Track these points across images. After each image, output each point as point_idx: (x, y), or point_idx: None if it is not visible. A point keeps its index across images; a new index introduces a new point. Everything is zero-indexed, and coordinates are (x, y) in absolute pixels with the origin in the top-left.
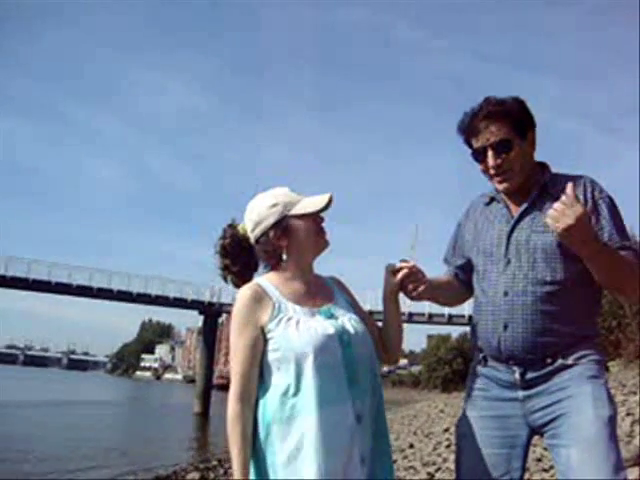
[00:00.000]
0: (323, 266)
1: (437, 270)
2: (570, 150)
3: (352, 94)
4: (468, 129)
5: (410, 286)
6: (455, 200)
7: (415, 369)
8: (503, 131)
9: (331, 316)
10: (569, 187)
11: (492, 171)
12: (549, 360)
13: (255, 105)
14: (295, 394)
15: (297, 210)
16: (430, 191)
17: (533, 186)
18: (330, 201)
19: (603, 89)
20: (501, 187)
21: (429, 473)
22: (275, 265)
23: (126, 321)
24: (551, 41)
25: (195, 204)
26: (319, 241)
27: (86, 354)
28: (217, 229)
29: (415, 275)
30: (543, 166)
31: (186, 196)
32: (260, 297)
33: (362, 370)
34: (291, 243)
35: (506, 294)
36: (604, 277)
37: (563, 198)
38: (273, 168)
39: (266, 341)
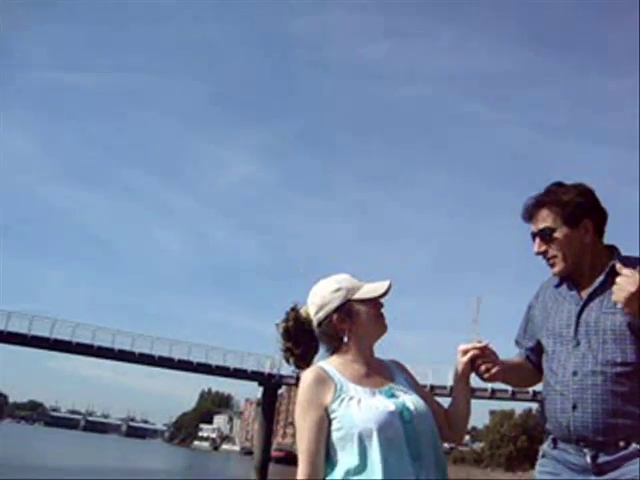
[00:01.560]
0: (387, 341)
1: (500, 344)
2: (633, 218)
3: (414, 169)
4: (525, 215)
5: (483, 367)
6: (517, 275)
7: (477, 446)
8: (548, 219)
9: (392, 395)
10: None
11: (540, 256)
12: (622, 444)
13: (318, 179)
14: (361, 471)
15: (359, 295)
16: (492, 264)
17: (602, 269)
18: (390, 288)
19: None
20: (552, 271)
21: None
22: (337, 348)
23: (185, 390)
24: (603, 112)
25: (257, 277)
26: (379, 326)
27: (145, 422)
28: (278, 301)
29: (488, 356)
30: (612, 249)
31: (248, 269)
32: (323, 379)
33: (425, 445)
34: (353, 327)
35: (575, 374)
36: None
37: (624, 271)
38: (337, 242)
39: (330, 421)
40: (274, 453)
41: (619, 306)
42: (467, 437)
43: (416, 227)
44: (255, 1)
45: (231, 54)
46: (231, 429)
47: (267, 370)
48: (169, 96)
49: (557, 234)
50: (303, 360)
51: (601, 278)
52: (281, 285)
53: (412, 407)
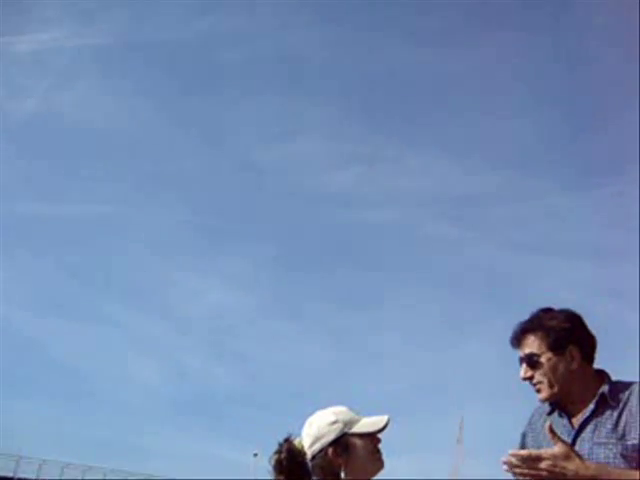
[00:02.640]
0: None
1: (484, 462)
2: (612, 330)
3: (385, 291)
4: (513, 340)
5: None
6: (499, 391)
7: None
8: (534, 345)
9: None
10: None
11: (527, 382)
12: None
13: (294, 305)
14: None
15: (357, 429)
16: (472, 382)
17: (592, 396)
18: (388, 422)
19: (632, 268)
20: (538, 397)
21: None
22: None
23: None
24: (569, 225)
25: (235, 406)
26: (376, 461)
27: None
28: (257, 430)
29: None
30: (602, 375)
31: (224, 398)
32: None
33: None
34: (349, 461)
35: None
36: None
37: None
38: (314, 368)
39: None
40: None
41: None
42: None
43: (394, 349)
44: (226, 130)
45: (203, 182)
46: None
47: None
48: (141, 225)
49: (542, 360)
50: None
51: (591, 407)
52: (260, 414)
53: None
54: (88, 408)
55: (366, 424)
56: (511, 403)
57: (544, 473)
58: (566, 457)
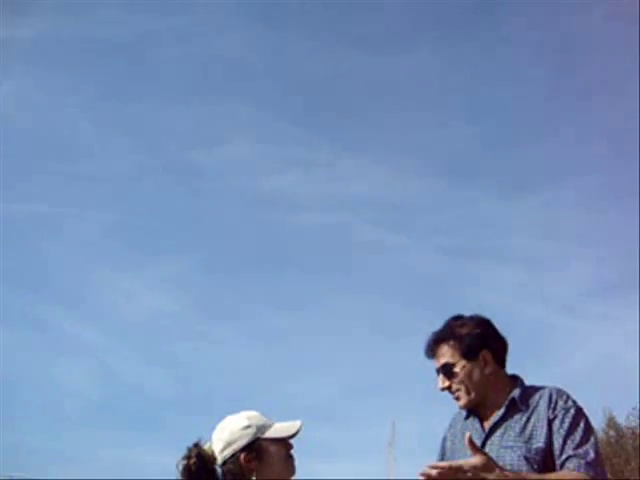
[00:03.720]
0: (306, 471)
1: (415, 464)
2: (538, 334)
3: (319, 294)
4: (427, 352)
5: None
6: (430, 394)
7: None
8: (447, 355)
9: None
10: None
11: (445, 391)
12: None
13: (227, 307)
14: None
15: (270, 434)
16: (403, 386)
17: (504, 400)
18: (301, 428)
19: (561, 275)
20: (458, 405)
21: None
22: None
23: None
24: (502, 232)
25: (165, 410)
26: (289, 467)
27: None
28: (188, 435)
29: None
30: (515, 379)
31: (156, 401)
32: None
33: None
34: (261, 467)
35: None
36: None
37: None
38: (246, 370)
39: None
40: None
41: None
42: None
43: (327, 352)
44: (159, 131)
45: (136, 184)
46: None
47: None
48: (71, 226)
49: (457, 369)
50: None
51: (501, 411)
52: (193, 418)
53: None
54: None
55: (279, 429)
56: (441, 406)
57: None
58: (485, 467)
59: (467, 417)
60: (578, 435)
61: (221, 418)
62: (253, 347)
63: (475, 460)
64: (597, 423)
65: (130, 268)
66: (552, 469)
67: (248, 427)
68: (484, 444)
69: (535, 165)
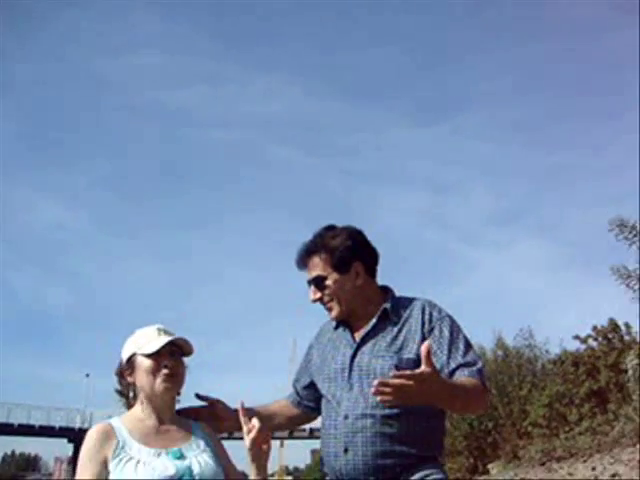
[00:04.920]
0: (212, 384)
1: None
2: (437, 259)
3: (222, 212)
4: (298, 263)
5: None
6: (323, 315)
7: None
8: (319, 267)
9: (180, 456)
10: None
11: (317, 302)
12: None
13: (130, 223)
14: None
15: (142, 349)
16: (305, 305)
17: (375, 311)
18: (169, 344)
19: (461, 201)
20: (329, 316)
21: None
22: (131, 402)
23: None
24: (409, 157)
25: (65, 325)
26: (158, 381)
27: None
28: (89, 350)
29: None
30: (386, 290)
31: (55, 317)
32: (107, 436)
33: None
34: (137, 381)
35: (347, 417)
36: (449, 409)
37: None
38: (150, 287)
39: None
40: None
41: (390, 349)
42: (290, 478)
43: (231, 271)
44: (66, 38)
45: (38, 91)
46: None
47: (77, 425)
48: None
49: (329, 281)
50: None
51: (373, 321)
52: (92, 334)
53: (197, 469)
54: None
55: (150, 344)
56: None
57: (413, 393)
58: (432, 376)
59: (337, 327)
60: (461, 344)
61: (123, 333)
62: (156, 264)
63: (426, 369)
64: (487, 343)
65: (31, 180)
66: None
67: (132, 342)
68: (355, 354)
69: (444, 93)
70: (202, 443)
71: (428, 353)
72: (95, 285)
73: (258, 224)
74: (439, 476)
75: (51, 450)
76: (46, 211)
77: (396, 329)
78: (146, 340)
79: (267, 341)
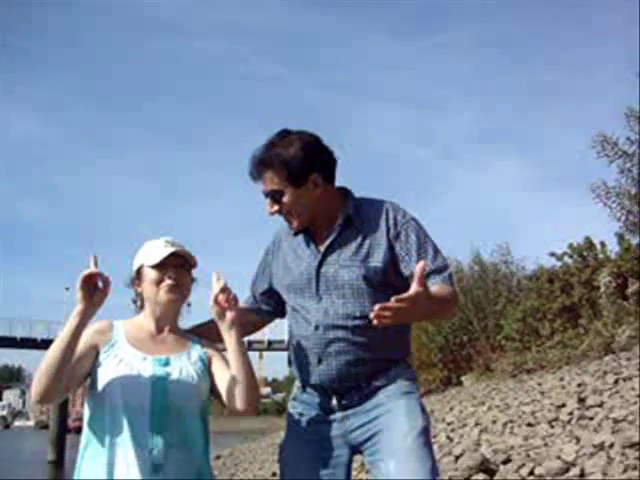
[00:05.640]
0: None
1: None
2: (416, 176)
3: (206, 125)
4: (252, 174)
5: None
6: None
7: (279, 396)
8: (274, 181)
9: (165, 364)
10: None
11: (275, 215)
12: (364, 384)
13: (108, 135)
14: (98, 426)
15: (148, 261)
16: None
17: (335, 217)
18: (172, 255)
19: (443, 118)
20: (290, 227)
21: None
22: (140, 309)
23: None
24: (392, 72)
25: (44, 238)
26: (161, 291)
27: None
28: (69, 264)
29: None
30: (345, 193)
31: (33, 230)
32: (103, 331)
33: (173, 420)
34: (143, 291)
35: (317, 328)
36: (426, 320)
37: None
38: (132, 201)
39: (96, 370)
40: (73, 423)
41: (356, 258)
42: (268, 389)
43: (216, 186)
44: None
45: None
46: (24, 404)
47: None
48: None
49: (285, 197)
50: None
51: (336, 231)
52: (70, 248)
53: (175, 377)
54: None
55: (154, 256)
56: None
57: (407, 313)
58: (424, 296)
59: (296, 233)
60: (430, 247)
61: (104, 247)
62: (136, 178)
63: (420, 290)
64: (464, 259)
65: (1, 91)
66: (393, 286)
67: (141, 254)
68: (320, 265)
69: (429, 6)
70: (195, 357)
71: (422, 273)
72: (75, 200)
73: (236, 136)
74: (410, 374)
75: (34, 362)
76: (17, 124)
77: (360, 236)
78: (152, 252)
79: (250, 255)
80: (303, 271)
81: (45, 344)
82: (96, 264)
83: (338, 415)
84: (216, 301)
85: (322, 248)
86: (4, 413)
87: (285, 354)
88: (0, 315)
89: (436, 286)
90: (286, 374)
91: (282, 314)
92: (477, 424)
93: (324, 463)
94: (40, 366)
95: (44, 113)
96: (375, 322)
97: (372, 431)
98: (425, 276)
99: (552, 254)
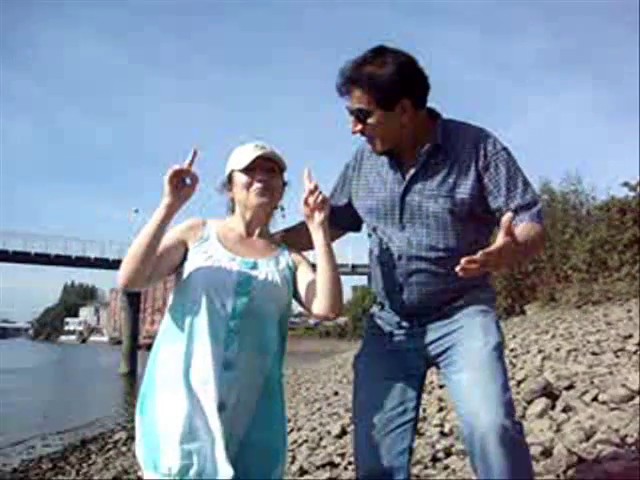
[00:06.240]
0: None
1: None
2: (483, 100)
3: (270, 48)
4: (339, 89)
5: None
6: None
7: (341, 320)
8: (362, 101)
9: (252, 267)
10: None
11: (358, 134)
12: (443, 307)
13: (173, 60)
14: (180, 317)
15: (237, 165)
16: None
17: (425, 142)
18: (260, 159)
19: (517, 42)
20: (372, 149)
21: (352, 418)
22: (231, 212)
23: (47, 285)
24: None
25: (112, 163)
26: (248, 195)
27: (5, 321)
28: (137, 188)
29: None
30: (434, 118)
31: (102, 156)
32: (194, 228)
33: (252, 323)
34: (234, 195)
35: (400, 258)
36: (516, 262)
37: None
38: (201, 126)
39: (183, 264)
40: (143, 340)
41: (442, 188)
42: None
43: (279, 111)
44: None
45: None
46: (98, 320)
47: None
48: None
49: (372, 118)
50: None
51: (423, 158)
52: (140, 171)
53: (260, 280)
54: None
55: (242, 160)
56: None
57: (495, 264)
58: (511, 245)
59: (380, 154)
60: (520, 181)
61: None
62: (206, 102)
63: (507, 240)
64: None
65: (68, 15)
66: (479, 219)
67: (232, 158)
68: (405, 193)
69: None
70: (283, 263)
71: (509, 224)
72: (142, 123)
73: (304, 62)
74: (487, 296)
75: (107, 282)
76: (83, 48)
77: (447, 165)
78: (242, 156)
79: (321, 181)
80: (387, 197)
81: (117, 264)
82: (194, 158)
83: (415, 330)
84: (306, 202)
85: (407, 175)
86: (81, 329)
87: (347, 278)
88: (74, 237)
89: (523, 226)
90: (349, 298)
91: (356, 230)
92: (540, 351)
93: (398, 373)
94: (128, 252)
95: (109, 37)
96: (460, 274)
97: (447, 344)
98: (513, 211)
99: (625, 184)
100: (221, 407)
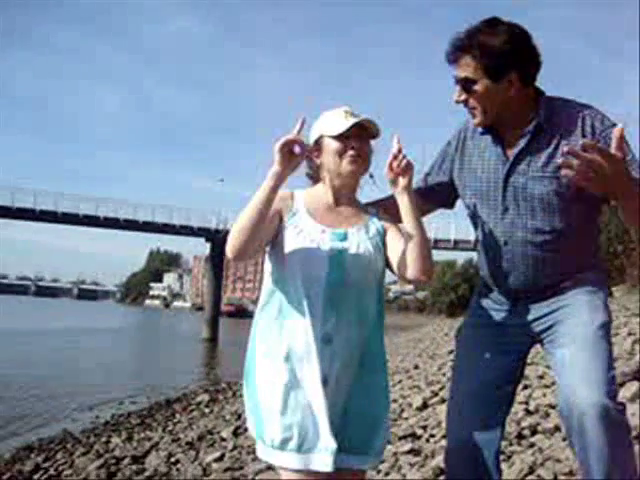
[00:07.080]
0: None
1: None
2: (574, 71)
3: (352, 19)
4: (448, 57)
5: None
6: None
7: (421, 295)
8: (469, 69)
9: (343, 238)
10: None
11: (460, 104)
12: (551, 289)
13: (261, 31)
14: (278, 294)
15: (329, 131)
16: (434, 116)
17: (528, 123)
18: (353, 126)
19: (612, 16)
20: (472, 122)
21: (433, 391)
22: (315, 180)
23: (134, 250)
24: None
25: (197, 133)
26: (341, 162)
27: (96, 284)
28: (221, 157)
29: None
30: (539, 96)
31: (188, 125)
32: (285, 199)
33: (348, 295)
34: (323, 162)
35: (506, 244)
36: (630, 208)
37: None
38: (280, 95)
39: (277, 237)
40: (224, 307)
41: (547, 170)
42: (411, 286)
43: (360, 81)
44: None
45: None
46: (181, 286)
47: (213, 226)
48: None
49: (478, 87)
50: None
51: (527, 138)
52: (225, 141)
53: (353, 252)
54: (56, 138)
55: (335, 126)
56: None
57: (602, 175)
58: (623, 164)
59: (483, 133)
60: (631, 157)
61: (254, 142)
62: (286, 73)
63: (617, 152)
64: None
65: None
66: (587, 201)
67: (320, 123)
68: (509, 174)
69: None
70: (373, 230)
71: (621, 136)
72: (228, 93)
73: (388, 34)
74: (597, 277)
75: (190, 249)
76: (174, 20)
77: (552, 144)
78: (334, 122)
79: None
80: (490, 177)
81: (200, 232)
82: (302, 126)
83: (520, 309)
84: (390, 167)
85: (511, 155)
86: (164, 294)
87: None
88: (161, 203)
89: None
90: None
91: (449, 207)
92: (630, 334)
93: (499, 347)
94: (236, 224)
95: (199, 8)
96: (562, 172)
97: (552, 321)
98: None
99: None
100: (324, 381)
